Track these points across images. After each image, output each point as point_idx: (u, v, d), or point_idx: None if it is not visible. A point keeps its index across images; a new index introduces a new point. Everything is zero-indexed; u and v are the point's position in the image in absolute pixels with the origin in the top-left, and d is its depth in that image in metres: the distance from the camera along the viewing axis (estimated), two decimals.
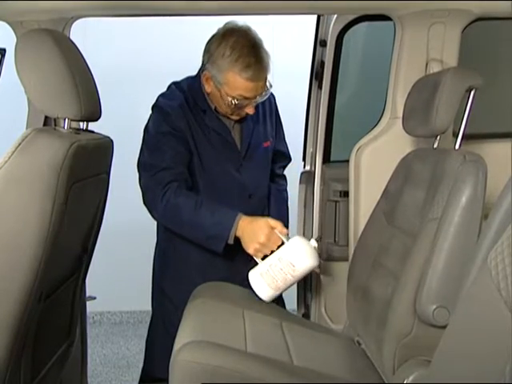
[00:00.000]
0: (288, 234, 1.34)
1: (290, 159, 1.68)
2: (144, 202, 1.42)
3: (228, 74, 1.32)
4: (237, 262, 1.47)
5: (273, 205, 1.60)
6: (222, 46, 1.32)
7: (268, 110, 1.53)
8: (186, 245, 1.45)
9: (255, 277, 1.29)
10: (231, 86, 1.33)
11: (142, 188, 1.42)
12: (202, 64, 1.40)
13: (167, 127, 1.38)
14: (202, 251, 1.44)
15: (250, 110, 1.39)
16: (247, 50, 1.31)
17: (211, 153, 1.43)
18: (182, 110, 1.40)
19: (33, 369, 1.08)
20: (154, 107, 1.44)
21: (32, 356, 1.06)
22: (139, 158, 1.42)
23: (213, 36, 1.38)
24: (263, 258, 1.32)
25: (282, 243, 1.31)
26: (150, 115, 1.44)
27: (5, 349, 0.95)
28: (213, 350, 1.03)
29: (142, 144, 1.42)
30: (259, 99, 1.38)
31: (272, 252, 1.32)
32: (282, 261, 1.27)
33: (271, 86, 1.38)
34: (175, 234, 1.47)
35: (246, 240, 1.32)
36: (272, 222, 1.32)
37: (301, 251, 1.27)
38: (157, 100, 1.44)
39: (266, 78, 1.36)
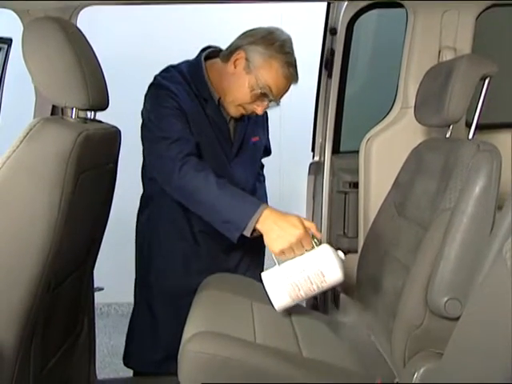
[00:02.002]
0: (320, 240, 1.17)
1: (270, 153, 1.68)
2: (155, 172, 1.33)
3: (272, 62, 1.31)
4: (221, 253, 1.44)
5: (257, 195, 1.57)
6: (273, 38, 1.32)
7: None
8: (169, 235, 1.43)
9: (274, 281, 1.12)
10: (267, 72, 1.31)
11: (152, 158, 1.33)
12: (232, 47, 1.35)
13: (174, 103, 1.33)
14: (185, 242, 1.42)
15: (259, 110, 1.36)
16: (293, 53, 1.34)
17: (209, 143, 1.40)
18: (187, 94, 1.36)
19: (42, 358, 1.08)
20: (153, 85, 1.37)
21: (41, 345, 1.06)
22: (144, 134, 1.34)
23: (258, 28, 1.36)
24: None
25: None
26: (148, 94, 1.37)
27: (14, 337, 0.95)
28: (222, 341, 1.02)
29: (144, 122, 1.35)
30: (271, 105, 1.38)
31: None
32: (311, 268, 1.11)
33: (279, 104, 1.40)
34: (156, 223, 1.44)
35: (273, 236, 1.15)
36: (307, 222, 1.17)
37: (334, 262, 1.11)
38: (156, 79, 1.38)
39: (288, 89, 1.37)
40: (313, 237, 1.15)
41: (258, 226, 1.18)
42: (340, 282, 1.13)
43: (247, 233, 1.19)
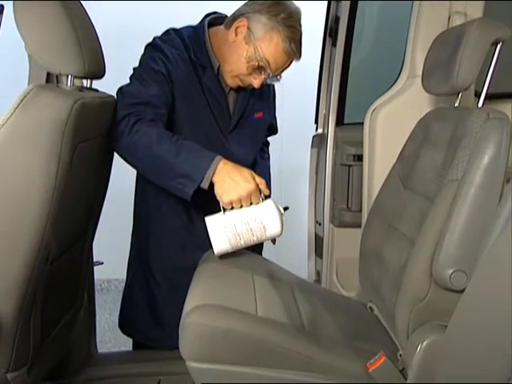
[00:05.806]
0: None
1: (276, 131, 1.63)
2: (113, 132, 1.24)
3: (273, 34, 1.25)
4: None
5: (257, 173, 1.55)
6: (279, 9, 1.25)
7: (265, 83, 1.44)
8: (163, 209, 1.40)
9: (217, 227, 1.19)
10: (266, 45, 1.26)
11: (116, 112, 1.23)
12: (236, 14, 1.30)
13: (162, 68, 1.28)
14: (178, 218, 1.39)
15: (255, 83, 1.31)
16: (299, 28, 1.28)
17: (203, 114, 1.35)
18: (183, 62, 1.31)
19: (42, 331, 1.08)
20: (149, 46, 1.33)
21: (41, 318, 1.06)
22: (122, 86, 1.29)
23: None
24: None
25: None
26: (144, 54, 1.33)
27: (14, 309, 0.94)
28: (223, 313, 1.01)
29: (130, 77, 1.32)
30: (270, 80, 1.33)
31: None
32: (254, 220, 1.19)
33: (280, 79, 1.35)
34: (151, 198, 1.41)
35: (224, 187, 1.16)
36: (257, 177, 1.20)
37: (275, 216, 1.20)
38: (154, 40, 1.34)
39: (289, 65, 1.31)
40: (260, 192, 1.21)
41: (214, 179, 1.17)
42: (278, 235, 1.22)
43: (204, 185, 1.17)
